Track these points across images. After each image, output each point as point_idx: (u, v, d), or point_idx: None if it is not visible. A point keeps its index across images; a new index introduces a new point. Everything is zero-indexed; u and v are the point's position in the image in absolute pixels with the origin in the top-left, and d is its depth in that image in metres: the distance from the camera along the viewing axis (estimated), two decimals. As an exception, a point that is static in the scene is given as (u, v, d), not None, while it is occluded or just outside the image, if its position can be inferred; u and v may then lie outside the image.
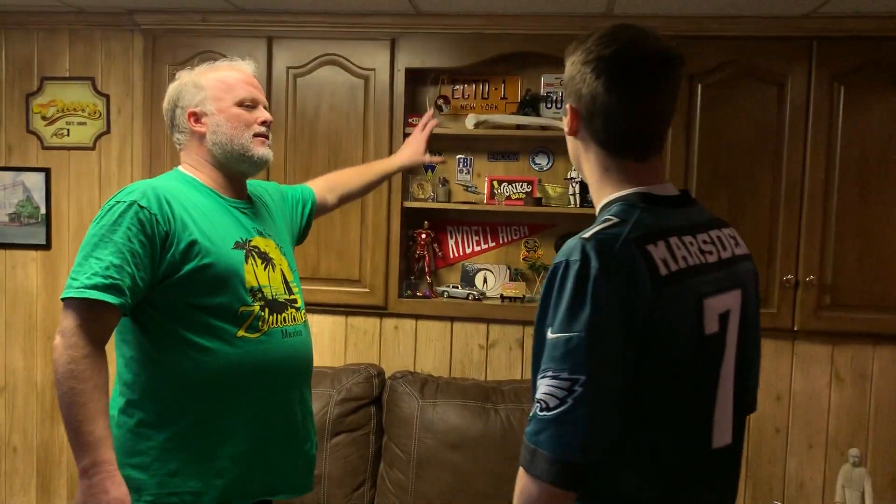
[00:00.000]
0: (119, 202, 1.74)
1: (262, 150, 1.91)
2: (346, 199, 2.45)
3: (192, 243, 1.76)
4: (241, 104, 1.89)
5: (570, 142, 1.31)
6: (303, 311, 2.00)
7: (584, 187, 3.24)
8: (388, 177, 2.61)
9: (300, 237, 2.27)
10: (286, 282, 1.96)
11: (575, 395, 1.06)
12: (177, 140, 1.94)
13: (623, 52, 1.18)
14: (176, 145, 1.96)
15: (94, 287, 1.63)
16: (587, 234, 1.14)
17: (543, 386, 1.09)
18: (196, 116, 1.88)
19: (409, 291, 3.30)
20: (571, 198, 3.25)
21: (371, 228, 3.21)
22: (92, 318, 1.64)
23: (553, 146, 3.36)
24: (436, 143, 3.39)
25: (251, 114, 1.91)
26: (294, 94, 3.24)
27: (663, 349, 1.12)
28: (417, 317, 3.34)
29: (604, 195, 1.25)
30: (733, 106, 3.03)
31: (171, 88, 1.93)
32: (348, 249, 3.22)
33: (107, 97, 3.45)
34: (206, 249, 1.77)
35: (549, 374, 1.08)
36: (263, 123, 1.93)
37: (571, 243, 1.14)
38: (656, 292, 1.10)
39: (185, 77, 1.92)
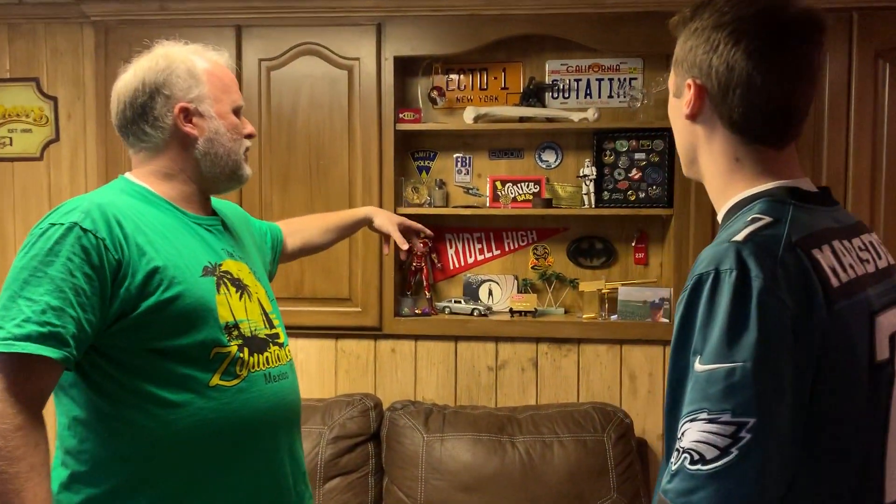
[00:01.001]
0: (54, 225, 1.35)
1: (248, 169, 1.60)
2: (306, 249, 2.06)
3: (153, 272, 1.39)
4: (236, 111, 1.56)
5: (685, 129, 1.11)
6: (287, 349, 1.64)
7: (598, 185, 2.90)
8: (356, 228, 2.14)
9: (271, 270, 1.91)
10: (265, 313, 1.60)
11: (742, 442, 0.88)
12: (144, 138, 1.52)
13: (769, 11, 1.02)
14: (133, 146, 1.55)
15: (27, 338, 1.26)
16: (739, 236, 0.96)
17: (694, 432, 0.90)
18: (188, 114, 1.50)
19: (405, 309, 2.94)
20: (585, 197, 2.90)
21: (361, 239, 2.84)
22: (24, 377, 1.26)
23: (562, 140, 3.01)
24: (430, 141, 3.03)
25: (242, 124, 1.59)
26: (268, 90, 2.86)
27: (837, 381, 0.94)
28: (416, 337, 2.97)
29: (733, 192, 1.06)
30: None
31: (150, 66, 1.51)
32: (336, 264, 2.85)
33: (54, 100, 3.05)
34: (171, 278, 1.41)
35: (703, 416, 0.90)
36: (250, 136, 1.60)
37: (718, 249, 0.96)
38: (829, 309, 0.93)
39: (173, 55, 1.51)
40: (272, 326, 1.60)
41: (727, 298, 0.91)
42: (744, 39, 1.01)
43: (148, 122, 1.50)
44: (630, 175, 2.91)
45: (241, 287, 1.54)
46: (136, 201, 1.49)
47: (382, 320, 2.88)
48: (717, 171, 1.08)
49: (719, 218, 1.09)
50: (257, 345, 1.51)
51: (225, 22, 2.84)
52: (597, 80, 3.00)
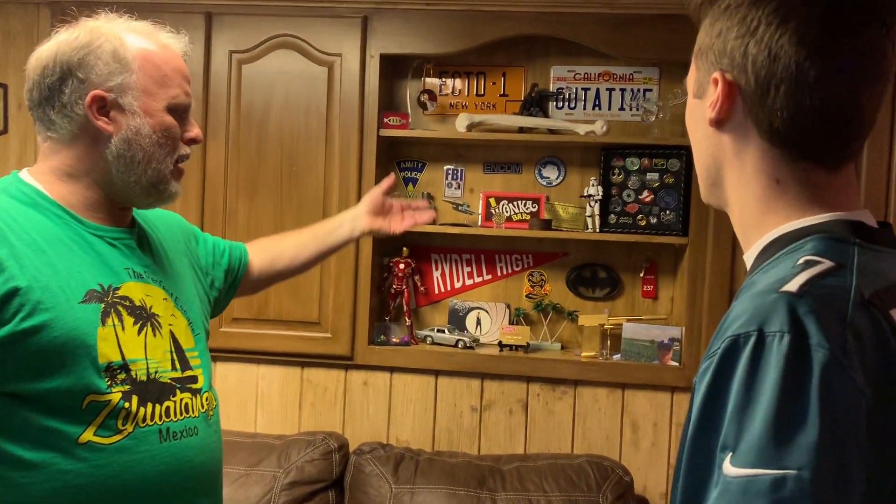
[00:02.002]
0: None
1: (177, 186, 1.30)
2: (277, 272, 1.69)
3: (11, 294, 1.11)
4: (174, 109, 1.26)
5: (707, 139, 0.88)
6: (205, 396, 1.32)
7: (604, 207, 2.57)
8: (345, 241, 1.71)
9: (213, 308, 1.55)
10: (178, 351, 1.29)
11: None
12: (50, 126, 1.23)
13: None
14: (40, 134, 1.26)
15: None
16: (790, 285, 0.72)
17: None
18: (105, 105, 1.21)
19: (382, 337, 2.61)
20: (589, 220, 2.58)
21: (334, 256, 2.51)
22: None
23: (565, 155, 2.69)
24: (417, 150, 2.72)
25: (181, 127, 1.28)
26: (238, 86, 2.57)
27: None
28: (392, 369, 2.64)
29: (771, 224, 0.83)
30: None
31: (67, 41, 1.22)
32: (305, 283, 2.53)
33: (4, 87, 2.76)
34: (35, 304, 1.12)
35: None
36: (193, 141, 1.31)
37: (761, 302, 0.72)
38: None
39: (99, 31, 1.22)
40: (186, 368, 1.29)
41: (776, 375, 0.67)
42: (793, 19, 0.79)
43: (55, 107, 1.22)
44: (641, 197, 2.58)
45: (143, 317, 1.24)
46: (18, 204, 1.20)
47: (355, 348, 2.56)
48: (750, 195, 0.84)
49: (748, 257, 0.86)
50: (153, 392, 1.21)
51: (194, 8, 2.55)
52: (607, 89, 2.69)
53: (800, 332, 0.68)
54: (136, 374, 1.18)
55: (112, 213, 1.27)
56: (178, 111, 1.26)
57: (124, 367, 1.17)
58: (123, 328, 1.19)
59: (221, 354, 2.63)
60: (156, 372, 1.22)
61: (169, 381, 1.24)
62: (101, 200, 1.25)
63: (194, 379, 1.30)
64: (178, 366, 1.27)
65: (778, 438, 0.66)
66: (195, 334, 1.35)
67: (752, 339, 0.69)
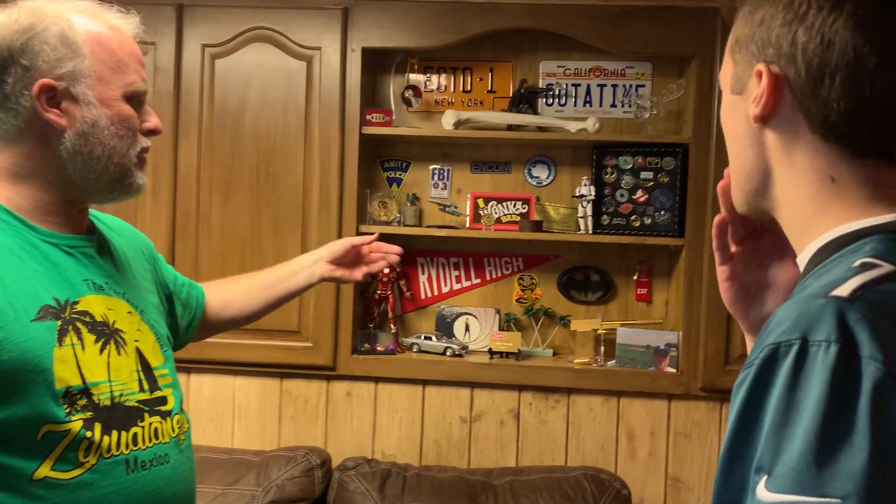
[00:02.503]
0: None
1: (142, 178, 1.18)
2: (224, 325, 1.54)
3: None
4: (131, 97, 1.13)
5: (749, 138, 0.79)
6: (176, 419, 1.19)
7: (596, 208, 2.46)
8: (299, 289, 1.57)
9: (175, 338, 1.40)
10: (145, 370, 1.16)
11: None
12: None
13: None
14: None
15: None
16: (841, 289, 0.65)
17: None
18: (55, 95, 1.07)
19: (366, 345, 2.48)
20: (581, 221, 2.47)
21: (315, 261, 2.38)
22: None
23: (555, 154, 2.58)
24: (402, 149, 2.60)
25: (140, 116, 1.16)
26: (212, 81, 2.42)
27: None
28: (377, 380, 2.51)
29: (826, 225, 0.76)
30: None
31: (6, 23, 1.08)
32: (284, 290, 2.38)
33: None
34: None
35: None
36: (152, 132, 1.18)
37: (806, 307, 0.64)
38: None
39: (44, 12, 1.08)
40: (155, 388, 1.16)
41: (820, 389, 0.61)
42: (847, 5, 0.72)
43: None
44: (634, 197, 2.48)
45: (105, 334, 1.10)
46: None
47: (337, 358, 2.42)
48: (801, 195, 0.77)
49: (801, 260, 0.78)
50: (118, 418, 1.08)
51: (165, 0, 2.40)
52: (598, 85, 2.59)
53: (849, 342, 0.61)
54: (99, 399, 1.05)
55: (68, 218, 1.14)
56: (135, 99, 1.14)
57: (85, 391, 1.04)
58: (83, 347, 1.06)
59: (195, 366, 2.48)
60: (121, 395, 1.09)
61: (136, 404, 1.11)
62: (56, 203, 1.12)
63: (163, 400, 1.17)
64: (145, 386, 1.14)
65: (819, 461, 0.59)
66: (163, 350, 1.22)
67: (795, 349, 0.63)
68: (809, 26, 0.72)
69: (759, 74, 0.75)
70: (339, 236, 2.40)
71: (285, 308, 2.37)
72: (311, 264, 1.54)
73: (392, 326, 2.54)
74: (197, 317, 1.45)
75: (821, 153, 0.75)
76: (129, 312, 1.16)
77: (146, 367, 1.15)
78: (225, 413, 2.54)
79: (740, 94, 0.79)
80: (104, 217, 1.25)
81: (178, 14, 2.41)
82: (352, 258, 1.57)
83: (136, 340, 1.15)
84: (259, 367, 2.47)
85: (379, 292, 2.54)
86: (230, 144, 2.43)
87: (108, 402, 1.06)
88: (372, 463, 2.31)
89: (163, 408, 1.16)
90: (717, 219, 0.90)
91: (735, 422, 0.65)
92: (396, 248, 1.61)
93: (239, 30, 2.41)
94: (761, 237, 0.92)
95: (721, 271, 0.93)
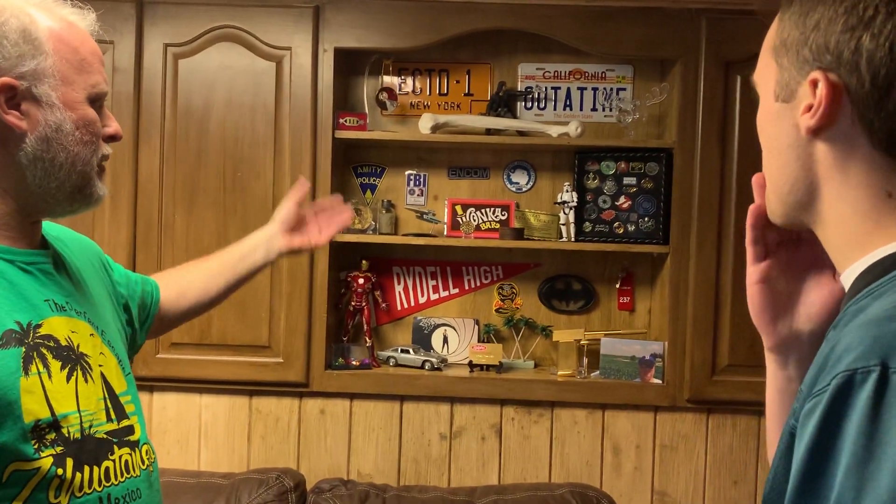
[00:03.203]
0: None
1: (103, 188, 1.08)
2: (183, 315, 1.41)
3: None
4: (94, 99, 1.03)
5: (796, 149, 0.74)
6: (144, 449, 1.10)
7: (578, 214, 2.39)
8: (259, 266, 1.44)
9: (131, 343, 1.29)
10: (112, 397, 1.06)
11: None
12: None
13: None
14: None
15: None
16: None
17: None
18: (15, 95, 0.96)
19: (340, 360, 2.37)
20: (563, 228, 2.40)
21: (286, 270, 2.27)
22: None
23: (535, 159, 2.50)
24: (376, 154, 2.50)
25: (101, 120, 1.06)
26: (174, 83, 2.29)
27: None
28: (352, 396, 2.39)
29: (880, 240, 0.70)
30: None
31: None
32: (253, 303, 2.27)
33: None
34: None
35: None
36: (112, 138, 1.08)
37: (881, 332, 0.59)
38: None
39: (1, 5, 0.97)
40: (122, 417, 1.06)
41: None
42: None
43: None
44: (617, 203, 2.41)
45: (71, 360, 1.00)
46: None
47: (310, 374, 2.30)
48: (852, 211, 0.72)
49: (846, 277, 0.73)
50: (89, 451, 0.98)
51: (123, -4, 2.27)
52: (578, 88, 2.51)
53: None
54: (69, 432, 0.95)
55: (23, 231, 1.02)
56: (97, 102, 1.03)
57: (54, 424, 0.94)
58: (50, 375, 0.95)
59: (159, 384, 2.34)
60: (90, 426, 0.99)
61: (104, 436, 1.01)
62: (10, 214, 1.00)
63: (131, 430, 1.07)
64: (113, 416, 1.04)
65: None
66: (125, 375, 1.12)
67: (874, 376, 0.58)
68: (877, 33, 0.67)
69: (815, 83, 0.70)
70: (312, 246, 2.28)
71: (254, 321, 2.27)
72: (268, 240, 1.43)
73: (367, 339, 2.43)
74: (152, 313, 1.32)
75: (879, 168, 0.69)
76: (91, 335, 1.06)
77: (112, 395, 1.05)
78: (191, 433, 2.39)
79: (787, 101, 0.73)
80: (49, 227, 1.13)
81: (139, 11, 2.28)
82: (302, 222, 1.46)
83: (101, 365, 1.05)
84: (227, 384, 2.33)
85: (353, 303, 2.43)
86: (195, 150, 2.29)
87: (78, 435, 0.96)
88: (349, 484, 2.19)
89: (131, 438, 1.06)
90: (753, 206, 0.82)
91: (806, 455, 0.60)
92: (346, 210, 1.54)
93: (203, 28, 2.28)
94: (798, 247, 0.85)
95: (753, 271, 0.85)
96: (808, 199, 0.74)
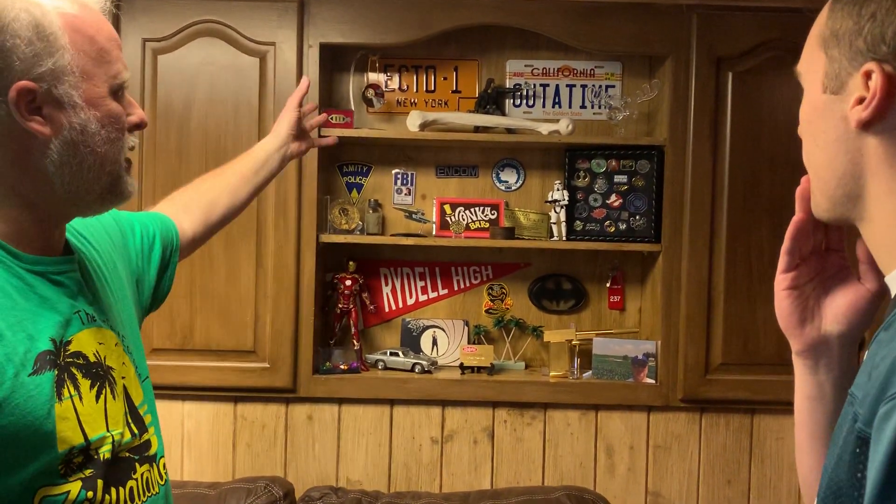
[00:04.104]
0: None
1: (132, 182, 1.01)
2: (217, 224, 1.43)
3: None
4: (117, 90, 0.95)
5: (845, 143, 0.71)
6: (161, 462, 1.06)
7: (569, 213, 2.36)
8: (275, 173, 1.54)
9: (153, 301, 1.25)
10: (132, 412, 1.01)
11: None
12: None
13: None
14: None
15: None
16: None
17: None
18: (35, 99, 0.88)
19: (327, 364, 2.31)
20: (554, 227, 2.36)
21: (271, 273, 2.21)
22: None
23: (524, 157, 2.46)
24: (363, 152, 2.44)
25: (125, 109, 0.98)
26: (154, 79, 2.22)
27: None
28: (341, 401, 2.33)
29: None
30: (774, 100, 2.23)
31: None
32: (237, 306, 2.20)
33: None
34: None
35: None
36: (137, 127, 1.00)
37: None
38: None
39: None
40: (142, 431, 1.01)
41: None
42: None
43: None
44: (608, 202, 2.38)
45: (100, 376, 0.95)
46: None
47: (297, 379, 2.24)
48: None
49: (892, 278, 0.71)
50: (118, 472, 0.94)
51: (98, -11, 2.18)
52: (567, 85, 2.48)
53: None
54: (101, 454, 0.91)
55: (50, 239, 0.96)
56: (119, 91, 0.96)
57: (87, 448, 0.89)
58: (81, 397, 0.90)
59: (139, 391, 2.25)
60: (119, 445, 0.94)
61: (128, 454, 0.97)
62: (38, 222, 0.94)
63: (149, 444, 1.02)
64: (135, 430, 0.99)
65: None
66: (142, 382, 1.06)
67: None
68: None
69: (868, 74, 0.67)
70: (298, 246, 2.22)
71: (239, 326, 2.20)
72: (279, 148, 1.53)
73: (355, 342, 2.37)
74: (174, 254, 1.27)
75: None
76: (116, 344, 1.01)
77: (132, 408, 1.00)
78: (173, 442, 2.31)
79: (836, 93, 0.71)
80: (74, 224, 1.07)
81: (115, 5, 2.19)
82: (303, 126, 1.59)
83: (123, 377, 1.00)
84: (210, 390, 2.26)
85: (340, 306, 2.36)
86: (175, 148, 2.22)
87: (108, 456, 0.92)
88: (339, 492, 2.13)
89: (149, 452, 1.01)
90: (796, 218, 0.81)
91: (887, 461, 0.57)
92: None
93: (184, 23, 2.21)
94: (827, 257, 0.84)
95: (783, 279, 0.84)
96: (854, 193, 0.72)
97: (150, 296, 1.21)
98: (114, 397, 0.96)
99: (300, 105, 1.59)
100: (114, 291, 1.07)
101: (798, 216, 0.81)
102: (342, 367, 2.31)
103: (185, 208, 1.35)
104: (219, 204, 1.40)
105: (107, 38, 0.94)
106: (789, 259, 0.83)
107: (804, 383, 0.86)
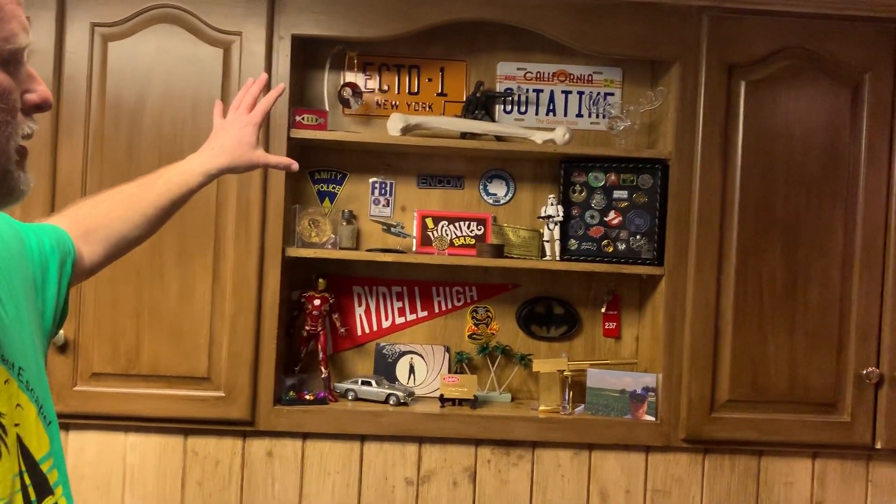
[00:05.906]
0: None
1: (26, 179, 0.78)
2: (122, 248, 1.18)
3: None
4: (9, 59, 0.73)
5: None
6: None
7: (563, 231, 2.14)
8: (189, 196, 1.30)
9: (56, 323, 1.00)
10: (31, 469, 0.78)
11: None
12: None
13: None
14: None
15: None
16: None
17: None
18: None
19: (291, 393, 2.06)
20: (547, 245, 2.15)
21: (230, 289, 1.96)
22: None
23: (514, 168, 2.25)
24: (337, 158, 2.21)
25: (18, 84, 0.75)
26: (103, 69, 1.98)
27: None
28: (305, 435, 2.08)
29: None
30: (790, 113, 2.05)
31: None
32: (190, 326, 1.95)
33: None
34: None
35: None
36: (38, 108, 0.77)
37: None
38: None
39: None
40: (45, 493, 0.79)
41: None
42: None
43: None
44: (606, 219, 2.17)
45: None
46: None
47: (257, 410, 1.99)
48: None
49: None
50: None
51: (43, -34, 1.94)
52: (563, 92, 2.27)
53: None
54: None
55: None
56: (14, 61, 0.73)
57: None
58: None
59: (76, 421, 1.99)
60: None
61: None
62: None
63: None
64: (32, 497, 0.76)
65: None
66: (47, 426, 0.83)
67: None
68: None
69: None
70: (261, 261, 1.98)
71: (191, 349, 1.95)
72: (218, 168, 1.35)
73: (323, 369, 2.12)
74: (67, 273, 1.02)
75: None
76: (6, 381, 0.77)
77: (31, 465, 0.77)
78: (113, 478, 2.04)
79: None
80: None
81: (61, -15, 1.95)
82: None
83: (17, 424, 0.77)
84: (157, 421, 2.00)
85: (307, 328, 2.12)
86: (125, 147, 1.97)
87: None
88: (300, 542, 1.88)
89: None
90: None
91: None
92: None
93: (139, 7, 1.97)
94: None
95: None
96: None
97: (52, 318, 0.97)
98: (1, 454, 0.72)
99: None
100: (7, 311, 0.83)
101: None
102: (308, 397, 2.07)
103: (88, 233, 1.11)
104: (124, 225, 1.17)
105: None
106: None
107: None
